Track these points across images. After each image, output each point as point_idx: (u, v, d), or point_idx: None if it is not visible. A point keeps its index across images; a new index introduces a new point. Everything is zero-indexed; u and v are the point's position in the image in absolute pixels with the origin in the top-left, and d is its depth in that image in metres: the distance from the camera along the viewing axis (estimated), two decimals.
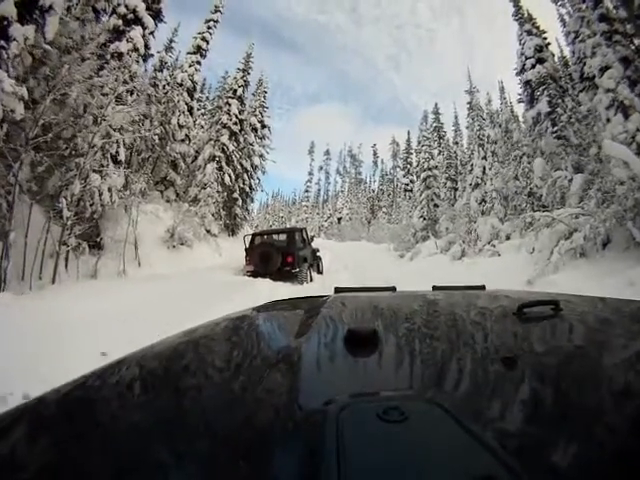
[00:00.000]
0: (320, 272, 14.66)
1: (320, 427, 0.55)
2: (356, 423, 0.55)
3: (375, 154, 58.96)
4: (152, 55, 15.13)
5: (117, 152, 12.34)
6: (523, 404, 0.69)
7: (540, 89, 18.49)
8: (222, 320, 1.42)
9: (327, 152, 64.48)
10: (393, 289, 1.91)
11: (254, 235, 13.48)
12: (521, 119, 25.51)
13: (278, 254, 11.68)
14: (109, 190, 11.08)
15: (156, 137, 16.18)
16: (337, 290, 1.94)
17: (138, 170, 15.66)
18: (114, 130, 10.57)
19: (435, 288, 1.92)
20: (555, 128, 17.37)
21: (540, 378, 0.80)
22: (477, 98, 33.71)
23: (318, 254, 14.99)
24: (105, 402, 0.81)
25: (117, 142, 12.20)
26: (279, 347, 1.10)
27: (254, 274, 11.63)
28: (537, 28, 19.81)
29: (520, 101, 26.64)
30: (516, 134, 20.66)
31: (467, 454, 0.48)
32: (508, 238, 16.11)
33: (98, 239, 11.52)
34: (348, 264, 16.55)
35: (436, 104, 38.46)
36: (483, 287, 1.91)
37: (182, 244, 13.93)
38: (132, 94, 12.37)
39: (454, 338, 1.14)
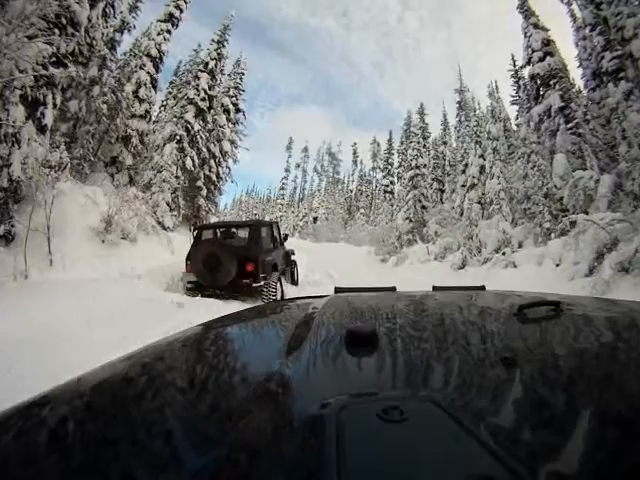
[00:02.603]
0: (295, 282, 11.11)
1: (320, 427, 0.55)
2: (356, 423, 0.56)
3: (355, 153, 56.73)
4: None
5: (42, 114, 9.51)
6: (522, 404, 0.69)
7: (551, 82, 17.10)
8: (222, 320, 1.44)
9: (305, 149, 61.59)
10: (393, 289, 1.91)
11: (201, 228, 9.54)
12: (513, 122, 24.39)
13: (232, 258, 7.92)
14: (23, 162, 8.28)
15: (104, 106, 13.30)
16: (337, 290, 1.95)
17: (84, 146, 12.90)
18: (20, 71, 7.54)
19: (435, 288, 1.90)
20: (570, 125, 15.87)
21: (539, 379, 0.80)
22: (467, 98, 32.49)
23: (293, 258, 11.24)
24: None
25: (43, 100, 9.42)
26: (278, 347, 1.04)
27: (196, 288, 8.21)
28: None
29: (514, 103, 25.65)
30: (523, 129, 18.53)
31: (466, 454, 0.49)
32: (520, 246, 13.75)
33: (9, 226, 8.70)
34: (330, 271, 13.11)
35: (422, 104, 36.79)
36: (483, 287, 1.89)
37: (123, 238, 10.81)
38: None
39: (454, 338, 1.13)
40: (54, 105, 9.84)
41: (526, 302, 1.18)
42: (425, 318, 1.44)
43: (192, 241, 8.86)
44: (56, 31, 9.40)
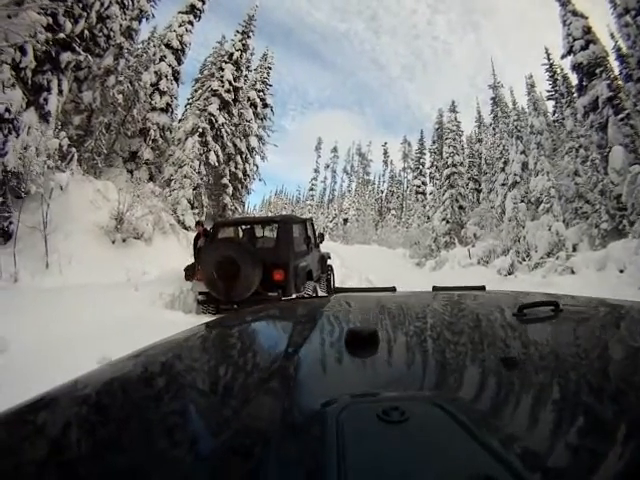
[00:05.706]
0: (331, 292, 8.31)
1: (320, 427, 0.55)
2: (356, 423, 0.55)
3: (385, 153, 55.18)
4: None
5: (45, 100, 8.75)
6: (523, 405, 0.68)
7: (597, 71, 15.76)
8: (224, 320, 1.54)
9: (335, 149, 59.76)
10: (393, 289, 1.91)
11: (217, 226, 7.46)
12: (550, 117, 23.90)
13: (255, 264, 6.14)
14: (23, 151, 7.49)
15: (120, 96, 12.52)
16: (337, 290, 2.08)
17: (97, 138, 12.17)
18: (6, 41, 6.72)
19: (435, 288, 1.89)
20: (620, 116, 14.54)
21: (540, 379, 0.78)
22: (502, 94, 31.13)
23: (329, 262, 9.37)
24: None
25: (47, 85, 8.66)
26: (280, 348, 1.06)
27: (210, 301, 6.60)
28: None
29: (550, 98, 24.21)
30: (569, 123, 17.08)
31: (467, 455, 0.48)
32: (574, 249, 12.35)
33: (6, 224, 7.95)
34: (370, 277, 11.45)
35: (453, 102, 34.69)
36: (483, 288, 1.87)
37: (137, 238, 9.87)
38: None
39: (455, 339, 1.11)
40: (60, 91, 9.14)
41: (526, 302, 1.17)
42: (426, 318, 1.41)
43: (205, 240, 7.44)
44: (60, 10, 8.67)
